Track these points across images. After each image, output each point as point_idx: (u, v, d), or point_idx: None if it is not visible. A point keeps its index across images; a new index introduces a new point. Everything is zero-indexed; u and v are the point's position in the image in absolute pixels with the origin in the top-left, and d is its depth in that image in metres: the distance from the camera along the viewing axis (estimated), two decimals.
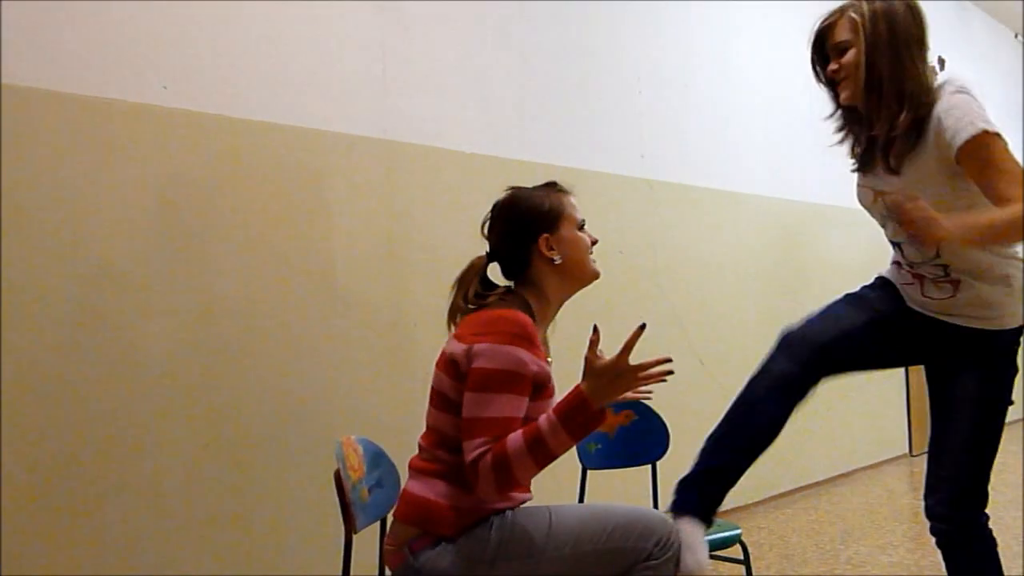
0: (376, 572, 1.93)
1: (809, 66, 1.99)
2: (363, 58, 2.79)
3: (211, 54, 2.43)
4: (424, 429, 1.77)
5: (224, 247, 2.42)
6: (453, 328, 1.76)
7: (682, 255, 3.91)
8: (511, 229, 1.79)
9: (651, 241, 3.81)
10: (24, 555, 2.01)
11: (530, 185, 1.88)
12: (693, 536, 1.78)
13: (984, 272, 1.84)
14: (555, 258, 1.76)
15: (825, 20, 1.93)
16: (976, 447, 1.89)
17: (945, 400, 1.94)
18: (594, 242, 1.84)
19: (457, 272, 1.82)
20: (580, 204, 1.88)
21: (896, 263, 2.01)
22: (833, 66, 1.91)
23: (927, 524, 1.95)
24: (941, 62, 6.33)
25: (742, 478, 3.89)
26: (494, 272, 1.83)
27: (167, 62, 2.34)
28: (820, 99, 2.10)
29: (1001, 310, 1.86)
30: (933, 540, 1.96)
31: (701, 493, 1.91)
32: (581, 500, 2.51)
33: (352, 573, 1.81)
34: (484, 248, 1.84)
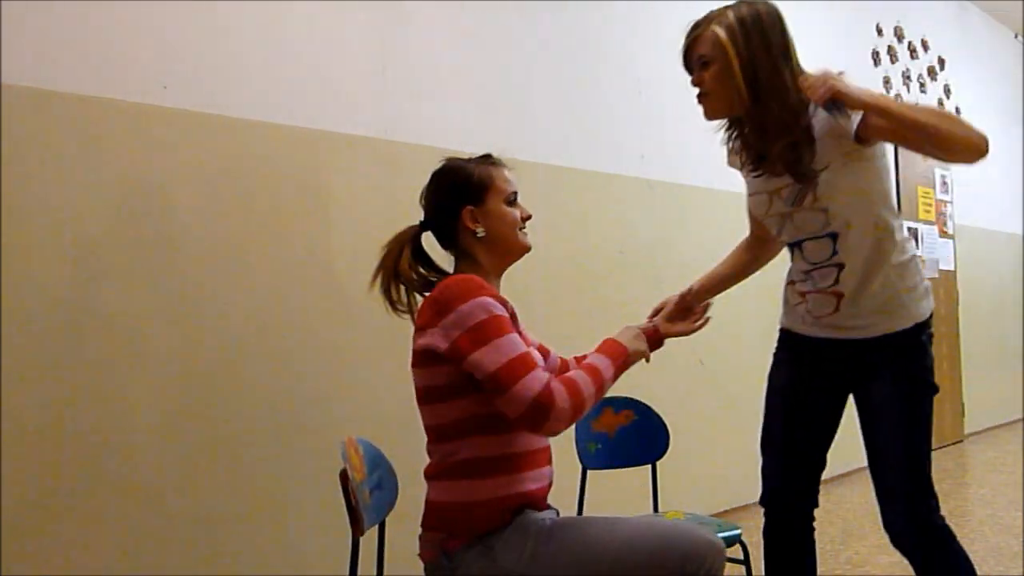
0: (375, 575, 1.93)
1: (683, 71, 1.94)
2: (363, 58, 2.79)
3: (211, 54, 2.43)
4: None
5: (224, 247, 2.42)
6: (380, 290, 1.78)
7: (682, 255, 3.91)
8: (439, 199, 1.80)
9: (651, 241, 3.81)
10: (24, 555, 2.01)
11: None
12: None
13: (873, 274, 1.84)
14: (478, 231, 1.74)
15: (691, 31, 1.87)
16: (913, 454, 1.85)
17: (866, 411, 1.93)
18: (526, 217, 1.81)
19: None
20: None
21: (789, 283, 2.03)
22: (695, 79, 1.87)
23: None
24: (941, 62, 6.34)
25: (742, 478, 3.89)
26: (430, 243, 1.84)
27: (167, 62, 2.34)
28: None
29: (889, 312, 1.85)
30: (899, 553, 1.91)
31: None
32: (581, 500, 2.51)
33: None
34: None
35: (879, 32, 5.63)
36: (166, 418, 2.28)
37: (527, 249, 1.81)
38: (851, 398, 2.01)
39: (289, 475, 2.49)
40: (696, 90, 1.89)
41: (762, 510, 2.07)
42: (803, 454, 2.04)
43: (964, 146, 1.68)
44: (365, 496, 1.77)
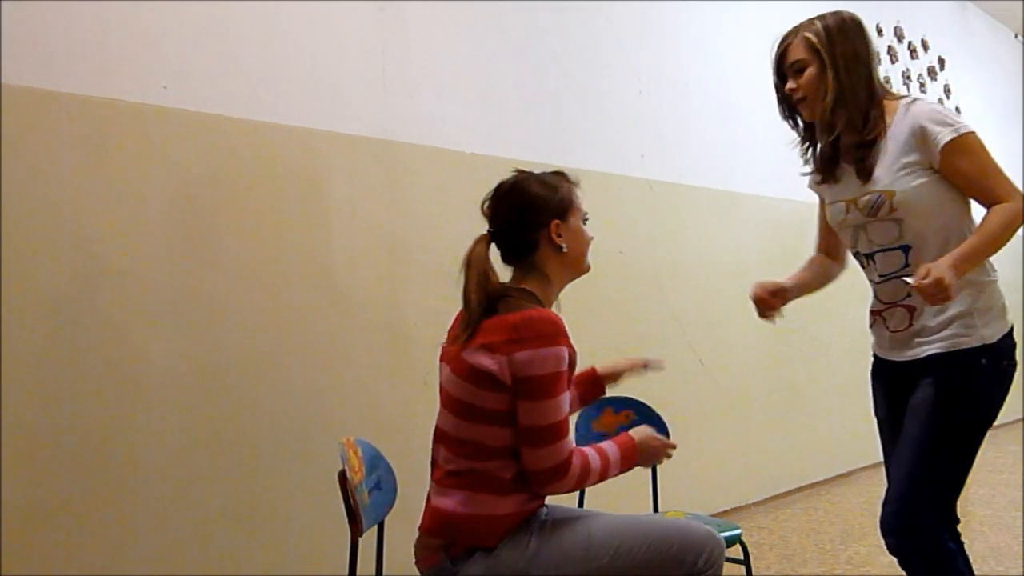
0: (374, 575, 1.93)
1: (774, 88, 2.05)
2: (363, 58, 2.79)
3: (211, 54, 2.43)
4: (434, 442, 1.76)
5: (224, 247, 2.42)
6: (468, 324, 1.69)
7: (682, 255, 3.91)
8: (522, 211, 1.76)
9: (651, 241, 3.81)
10: (24, 555, 2.02)
11: None
12: None
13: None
14: (563, 246, 1.76)
15: (782, 41, 2.00)
16: (927, 460, 1.83)
17: (905, 411, 1.91)
18: (590, 239, 1.84)
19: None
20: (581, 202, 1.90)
21: (870, 310, 2.04)
22: (791, 85, 1.97)
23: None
24: (941, 62, 6.33)
25: (742, 478, 3.89)
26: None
27: (167, 62, 2.34)
28: None
29: (956, 330, 1.85)
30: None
31: None
32: (581, 500, 2.51)
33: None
34: None
35: (879, 32, 5.63)
36: (165, 418, 2.28)
37: (588, 270, 1.86)
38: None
39: (288, 476, 2.49)
40: (777, 100, 2.04)
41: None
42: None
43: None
44: (364, 497, 1.77)
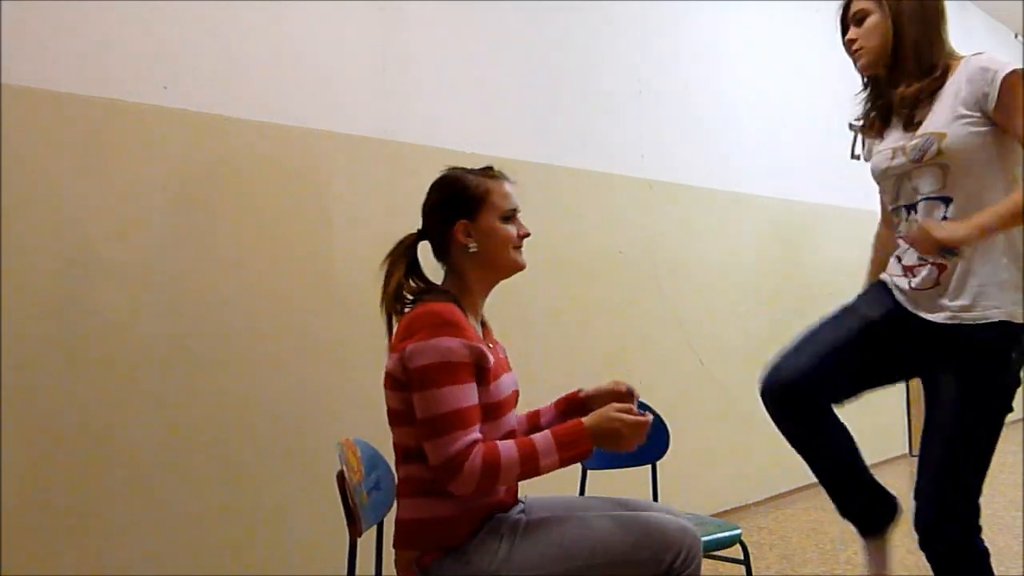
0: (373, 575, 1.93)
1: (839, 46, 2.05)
2: (363, 58, 2.79)
3: (211, 54, 2.43)
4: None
5: (224, 247, 2.42)
6: (390, 320, 1.74)
7: (682, 255, 3.91)
8: (434, 210, 1.78)
9: (651, 241, 3.81)
10: (24, 555, 2.02)
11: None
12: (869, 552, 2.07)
13: (981, 251, 1.82)
14: (470, 246, 1.73)
15: None
16: (957, 455, 1.83)
17: (930, 405, 1.89)
18: (523, 235, 1.78)
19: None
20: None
21: (896, 258, 1.99)
22: (850, 35, 1.98)
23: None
24: None
25: (742, 478, 3.87)
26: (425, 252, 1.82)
27: (167, 62, 2.34)
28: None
29: (984, 299, 1.80)
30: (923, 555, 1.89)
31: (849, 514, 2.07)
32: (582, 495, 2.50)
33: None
34: None
35: None
36: (165, 418, 2.28)
37: (519, 268, 1.79)
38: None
39: (287, 476, 2.49)
40: (848, 50, 2.03)
41: (760, 393, 1.99)
42: (839, 370, 1.96)
43: None
44: (363, 497, 1.77)
